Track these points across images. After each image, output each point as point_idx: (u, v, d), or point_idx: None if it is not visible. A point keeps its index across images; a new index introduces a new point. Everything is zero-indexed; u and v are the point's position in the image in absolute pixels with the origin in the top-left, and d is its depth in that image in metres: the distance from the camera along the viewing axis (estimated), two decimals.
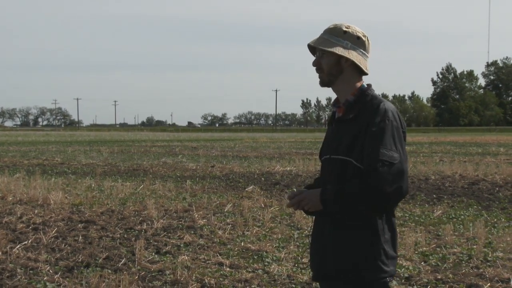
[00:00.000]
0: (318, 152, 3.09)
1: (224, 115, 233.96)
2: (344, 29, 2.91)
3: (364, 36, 2.93)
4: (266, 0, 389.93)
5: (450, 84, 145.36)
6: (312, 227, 3.07)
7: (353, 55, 2.88)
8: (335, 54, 2.88)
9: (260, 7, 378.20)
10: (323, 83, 2.97)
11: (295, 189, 3.01)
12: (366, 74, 2.95)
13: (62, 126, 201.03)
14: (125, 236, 8.01)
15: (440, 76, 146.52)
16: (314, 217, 3.04)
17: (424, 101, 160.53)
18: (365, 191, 2.70)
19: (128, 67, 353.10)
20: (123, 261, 6.59)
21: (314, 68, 2.98)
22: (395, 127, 2.79)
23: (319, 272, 2.97)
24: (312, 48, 3.00)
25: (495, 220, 9.38)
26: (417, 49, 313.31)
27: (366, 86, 2.94)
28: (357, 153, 2.79)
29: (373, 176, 2.69)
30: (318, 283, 3.10)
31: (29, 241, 7.55)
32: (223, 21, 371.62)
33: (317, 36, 2.99)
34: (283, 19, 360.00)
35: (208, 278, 5.90)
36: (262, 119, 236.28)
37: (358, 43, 2.91)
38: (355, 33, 2.91)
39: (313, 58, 3.01)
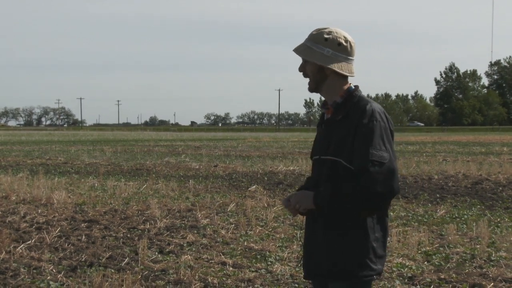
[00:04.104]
0: None
1: (227, 114, 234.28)
2: (326, 36, 2.92)
3: (346, 41, 2.93)
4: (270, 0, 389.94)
5: (454, 84, 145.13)
6: (304, 228, 3.10)
7: (333, 63, 2.90)
8: (316, 63, 2.92)
9: (264, 7, 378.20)
10: (311, 89, 3.01)
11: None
12: (351, 76, 2.98)
13: (65, 125, 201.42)
14: (128, 235, 8.02)
15: (444, 75, 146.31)
16: (304, 218, 3.08)
17: (427, 100, 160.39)
18: (358, 192, 2.74)
19: (131, 67, 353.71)
20: (126, 260, 6.59)
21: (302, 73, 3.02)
22: (383, 127, 2.83)
23: (311, 272, 3.03)
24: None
25: (499, 219, 9.36)
26: (420, 48, 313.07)
27: (353, 87, 2.97)
28: (346, 154, 2.83)
29: (364, 177, 2.73)
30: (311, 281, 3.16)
31: (33, 241, 7.56)
32: (226, 20, 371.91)
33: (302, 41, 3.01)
34: (287, 18, 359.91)
35: (211, 278, 5.90)
36: (265, 118, 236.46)
37: (339, 49, 2.92)
38: (336, 39, 2.92)
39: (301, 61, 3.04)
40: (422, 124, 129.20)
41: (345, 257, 2.85)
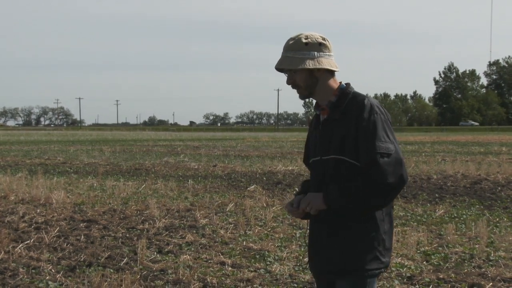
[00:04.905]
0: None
1: (226, 114, 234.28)
2: (304, 41, 2.92)
3: (324, 39, 2.96)
4: (270, 0, 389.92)
5: (452, 84, 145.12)
6: (308, 228, 3.09)
7: (322, 63, 2.91)
8: (307, 69, 2.91)
9: (264, 7, 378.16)
10: (304, 97, 3.01)
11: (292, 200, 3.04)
12: (337, 71, 3.00)
13: (64, 125, 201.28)
14: (127, 235, 8.02)
15: (442, 75, 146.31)
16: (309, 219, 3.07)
17: (426, 100, 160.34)
18: (370, 186, 2.74)
19: (130, 66, 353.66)
20: (125, 260, 6.59)
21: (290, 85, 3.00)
22: (384, 120, 2.85)
23: (320, 270, 3.01)
24: (280, 68, 3.01)
25: (497, 219, 9.36)
26: (420, 48, 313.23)
27: (345, 85, 2.98)
28: (349, 151, 2.83)
29: (374, 170, 2.74)
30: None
31: (31, 241, 7.56)
32: (225, 20, 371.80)
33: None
34: (287, 18, 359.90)
35: (210, 278, 5.90)
36: (264, 118, 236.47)
37: (321, 48, 2.93)
38: (315, 40, 2.93)
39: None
40: (477, 124, 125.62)
41: (355, 251, 2.85)
